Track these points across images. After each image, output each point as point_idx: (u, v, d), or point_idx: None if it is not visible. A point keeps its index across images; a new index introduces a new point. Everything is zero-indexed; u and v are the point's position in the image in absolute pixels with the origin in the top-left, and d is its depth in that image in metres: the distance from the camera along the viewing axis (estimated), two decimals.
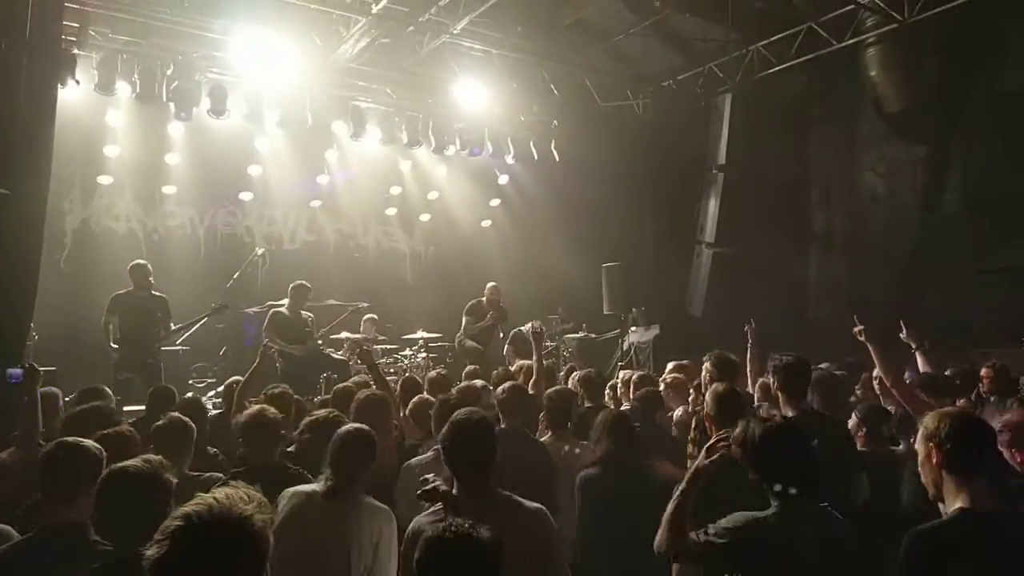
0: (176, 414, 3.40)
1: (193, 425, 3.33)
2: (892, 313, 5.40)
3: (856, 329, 4.16)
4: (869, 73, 8.50)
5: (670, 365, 5.32)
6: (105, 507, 1.97)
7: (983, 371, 4.96)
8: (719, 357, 3.91)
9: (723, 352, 3.99)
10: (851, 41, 8.10)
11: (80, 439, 2.40)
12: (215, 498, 1.35)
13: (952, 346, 6.06)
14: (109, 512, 1.97)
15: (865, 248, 9.63)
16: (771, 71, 8.89)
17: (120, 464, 2.09)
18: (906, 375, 4.57)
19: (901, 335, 4.76)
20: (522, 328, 9.15)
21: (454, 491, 2.39)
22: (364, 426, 2.84)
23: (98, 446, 2.38)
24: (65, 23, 6.89)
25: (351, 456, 2.62)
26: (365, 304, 8.32)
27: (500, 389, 3.97)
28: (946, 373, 4.74)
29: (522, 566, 2.18)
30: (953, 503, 2.03)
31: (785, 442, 2.31)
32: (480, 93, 9.08)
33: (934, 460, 2.06)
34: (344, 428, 2.80)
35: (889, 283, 8.87)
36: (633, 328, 9.58)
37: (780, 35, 8.64)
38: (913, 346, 4.74)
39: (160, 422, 3.29)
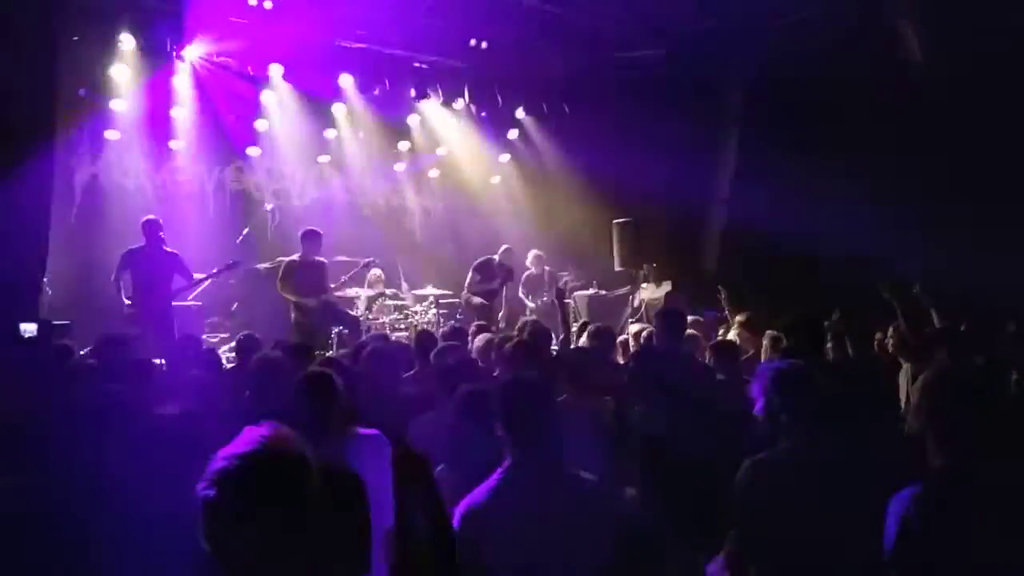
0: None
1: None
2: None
3: (881, 284, 4.15)
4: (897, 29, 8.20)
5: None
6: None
7: None
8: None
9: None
10: None
11: None
12: (261, 435, 1.34)
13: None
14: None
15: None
16: (787, 22, 8.60)
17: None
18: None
19: (913, 291, 4.70)
20: (533, 271, 9.31)
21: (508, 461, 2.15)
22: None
23: None
24: None
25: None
26: (373, 260, 8.31)
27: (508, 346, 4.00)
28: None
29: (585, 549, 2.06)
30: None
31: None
32: (489, 45, 8.88)
33: None
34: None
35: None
36: (644, 285, 9.54)
37: None
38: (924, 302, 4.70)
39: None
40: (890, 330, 4.59)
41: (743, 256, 8.67)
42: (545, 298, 8.98)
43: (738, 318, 5.62)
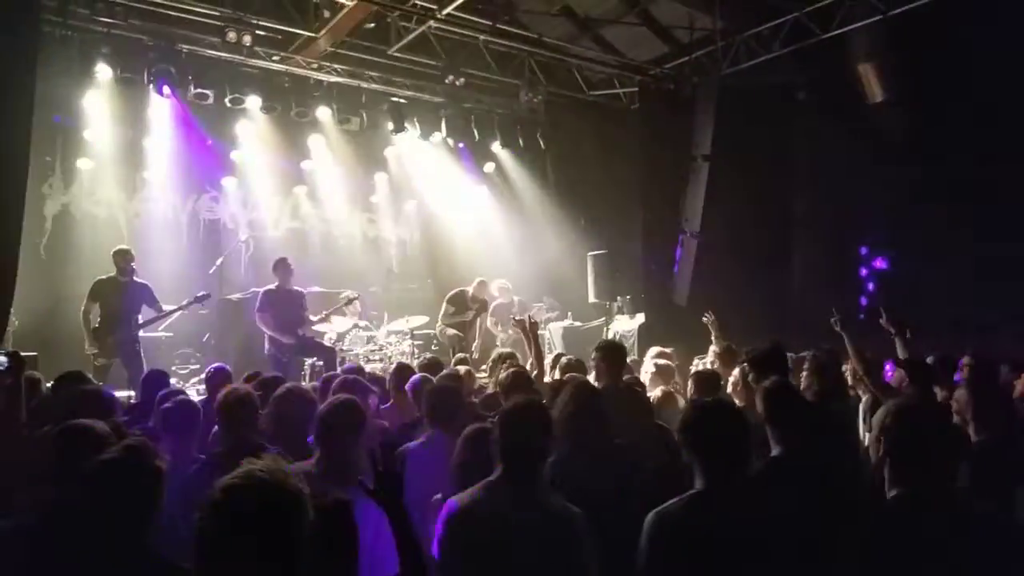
0: (184, 396, 3.43)
1: (199, 407, 3.38)
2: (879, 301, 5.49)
3: (833, 320, 4.27)
4: (854, 64, 8.58)
5: (653, 350, 5.40)
6: (94, 493, 1.96)
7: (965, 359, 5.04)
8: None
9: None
10: (836, 32, 8.15)
11: (88, 421, 2.39)
12: (258, 468, 1.37)
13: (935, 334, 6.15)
14: (97, 498, 1.96)
15: (847, 235, 9.76)
16: (757, 61, 8.93)
17: (107, 454, 2.07)
18: (887, 366, 4.66)
19: (880, 321, 4.83)
20: (501, 300, 9.32)
21: (495, 475, 2.33)
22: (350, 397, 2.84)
23: (106, 427, 2.37)
24: (44, 2, 6.80)
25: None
26: (357, 296, 8.27)
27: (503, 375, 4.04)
28: (927, 360, 4.82)
29: (555, 567, 2.20)
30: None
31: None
32: (466, 80, 9.04)
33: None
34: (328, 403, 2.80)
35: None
36: (618, 316, 9.64)
37: (766, 25, 8.68)
38: (893, 332, 4.81)
39: (168, 405, 3.33)
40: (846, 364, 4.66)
41: (716, 288, 8.82)
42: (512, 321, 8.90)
43: (712, 348, 5.64)
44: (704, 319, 5.69)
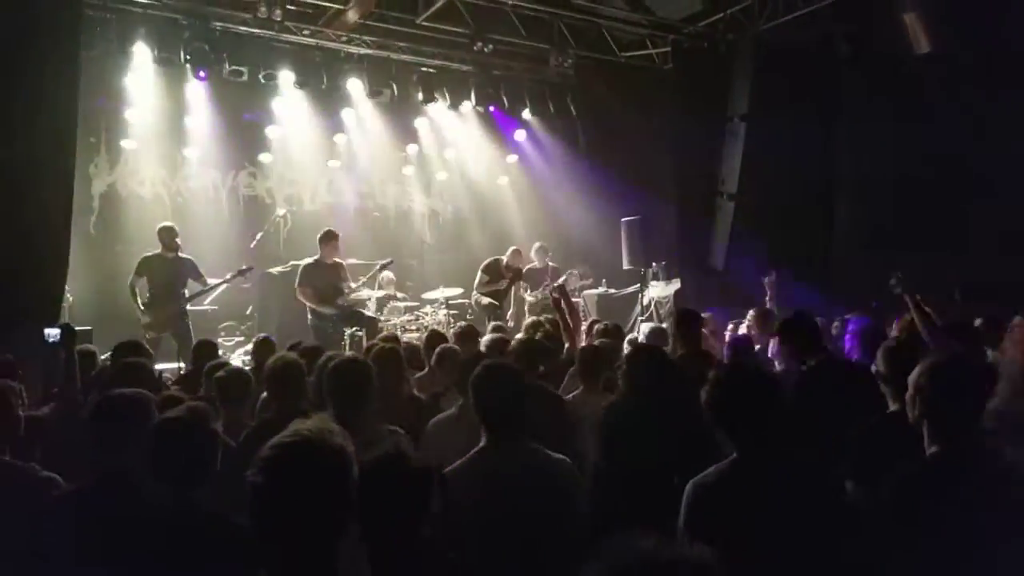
0: (234, 366, 3.59)
1: (251, 375, 3.55)
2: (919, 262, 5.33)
3: (892, 282, 4.12)
4: (899, 14, 8.21)
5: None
6: (158, 455, 2.10)
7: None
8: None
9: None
10: None
11: (130, 390, 2.52)
12: (307, 428, 1.46)
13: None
14: (162, 460, 2.09)
15: (888, 195, 9.45)
16: (796, 15, 8.62)
17: (170, 413, 2.21)
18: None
19: (891, 283, 4.64)
20: (535, 265, 9.32)
21: (482, 442, 2.45)
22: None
23: (146, 394, 2.51)
24: None
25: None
26: (391, 261, 8.41)
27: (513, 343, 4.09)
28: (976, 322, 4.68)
29: (545, 516, 2.31)
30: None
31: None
32: (494, 47, 8.95)
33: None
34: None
35: (917, 230, 8.71)
36: (654, 282, 9.58)
37: None
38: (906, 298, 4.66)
39: (221, 374, 3.48)
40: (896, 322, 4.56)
41: (754, 251, 8.69)
42: (545, 290, 8.88)
43: (751, 312, 5.52)
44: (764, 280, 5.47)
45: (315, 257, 7.50)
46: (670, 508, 2.17)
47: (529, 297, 9.25)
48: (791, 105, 9.02)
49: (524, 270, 9.21)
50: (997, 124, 7.64)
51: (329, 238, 7.52)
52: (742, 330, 5.70)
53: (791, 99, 9.01)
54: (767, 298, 4.90)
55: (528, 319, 5.76)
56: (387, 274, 8.96)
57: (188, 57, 8.08)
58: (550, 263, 9.51)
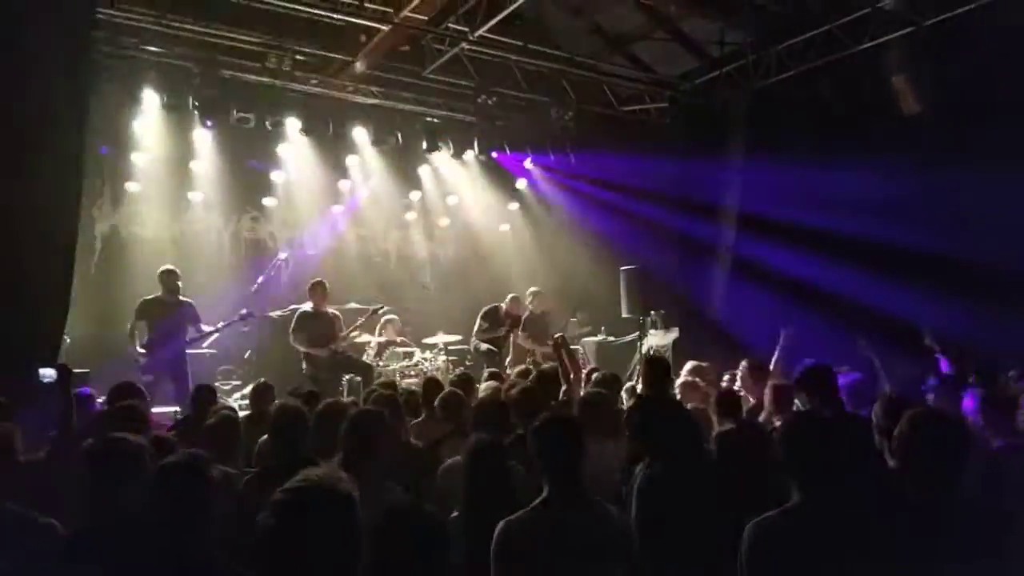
0: (227, 411, 3.56)
1: (240, 421, 3.56)
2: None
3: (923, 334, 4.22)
4: (888, 76, 8.48)
5: (688, 365, 5.37)
6: (158, 499, 2.09)
7: None
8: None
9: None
10: (869, 44, 8.08)
11: (124, 435, 2.50)
12: (316, 475, 1.52)
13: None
14: (161, 504, 2.08)
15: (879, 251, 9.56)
16: (789, 74, 8.89)
17: (170, 459, 2.20)
18: (930, 380, 4.59)
19: (925, 340, 4.77)
20: (533, 313, 9.27)
21: (544, 494, 2.45)
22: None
23: (141, 440, 2.49)
24: (93, 32, 7.12)
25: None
26: (382, 307, 8.44)
27: (514, 391, 4.07)
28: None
29: (605, 569, 2.36)
30: None
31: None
32: (497, 99, 9.19)
33: None
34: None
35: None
36: (652, 331, 9.59)
37: (799, 38, 8.65)
38: (937, 349, 4.75)
39: (211, 420, 3.46)
40: None
41: (751, 303, 8.74)
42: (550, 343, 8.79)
43: (744, 363, 5.53)
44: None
45: (309, 305, 7.54)
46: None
47: (537, 348, 9.14)
48: (784, 161, 9.21)
49: (524, 318, 9.21)
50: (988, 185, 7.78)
51: (316, 289, 7.58)
52: (736, 383, 5.64)
53: (784, 155, 9.20)
54: (778, 348, 4.92)
55: (517, 367, 5.76)
56: (392, 318, 9.00)
57: (197, 104, 8.27)
58: (541, 308, 9.42)
